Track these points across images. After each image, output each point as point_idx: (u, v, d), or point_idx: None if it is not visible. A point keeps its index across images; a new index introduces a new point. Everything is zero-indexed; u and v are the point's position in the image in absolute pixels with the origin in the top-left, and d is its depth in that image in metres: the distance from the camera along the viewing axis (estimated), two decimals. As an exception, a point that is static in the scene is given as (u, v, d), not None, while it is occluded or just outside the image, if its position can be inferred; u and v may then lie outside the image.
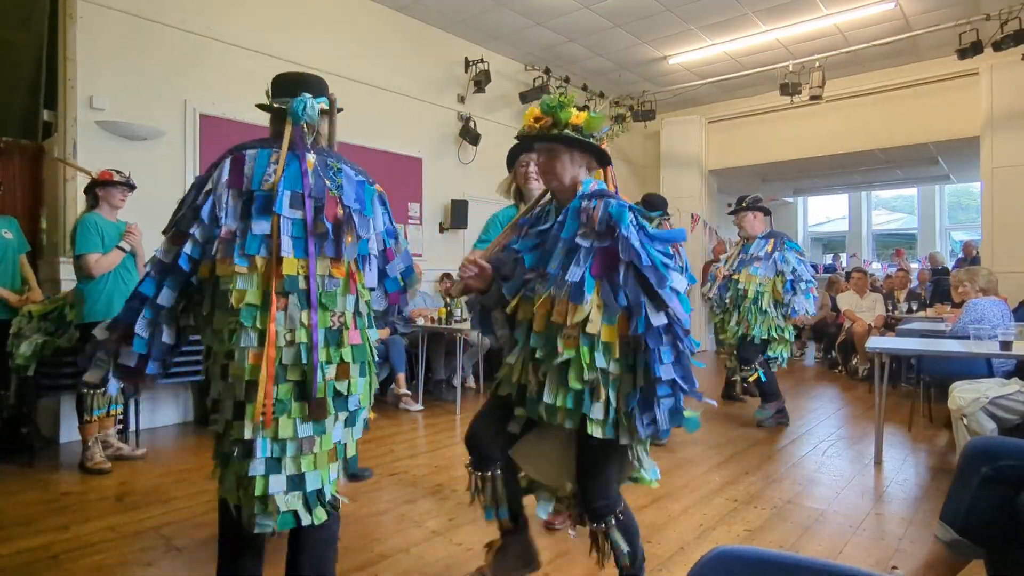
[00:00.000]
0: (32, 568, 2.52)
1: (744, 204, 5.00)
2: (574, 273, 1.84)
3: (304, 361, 1.75)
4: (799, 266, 4.81)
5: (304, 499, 1.79)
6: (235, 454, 1.75)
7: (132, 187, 3.95)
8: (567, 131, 1.97)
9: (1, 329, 3.86)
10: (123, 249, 3.80)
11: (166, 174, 4.96)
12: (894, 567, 2.39)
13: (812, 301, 4.84)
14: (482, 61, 7.30)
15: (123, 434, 4.22)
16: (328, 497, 1.86)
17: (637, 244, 1.81)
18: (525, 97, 7.88)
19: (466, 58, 7.35)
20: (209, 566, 2.53)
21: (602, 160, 2.07)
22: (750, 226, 4.95)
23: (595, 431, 1.85)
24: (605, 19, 6.90)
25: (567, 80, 8.28)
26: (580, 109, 2.01)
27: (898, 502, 3.33)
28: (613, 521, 2.01)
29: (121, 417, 4.16)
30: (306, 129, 1.88)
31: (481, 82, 7.24)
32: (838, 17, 6.85)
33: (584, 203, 1.93)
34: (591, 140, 1.99)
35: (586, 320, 1.81)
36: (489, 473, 2.13)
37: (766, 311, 4.79)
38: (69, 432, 4.37)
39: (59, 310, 3.93)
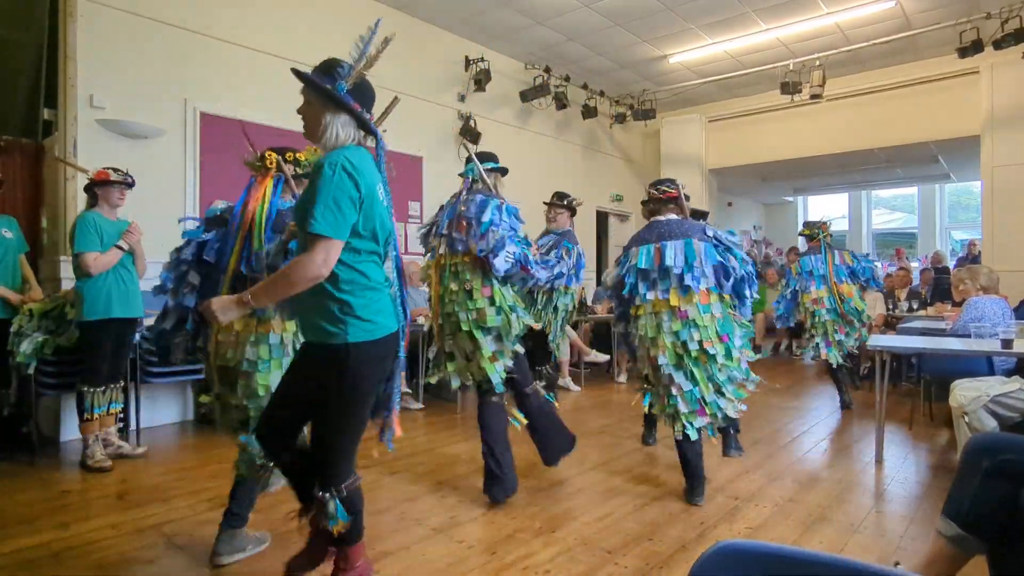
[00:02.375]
0: (33, 566, 2.52)
1: (557, 200, 5.00)
2: None
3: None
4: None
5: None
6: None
7: (130, 185, 3.95)
8: None
9: (2, 328, 3.85)
10: (121, 248, 3.79)
11: (166, 172, 4.96)
12: (896, 563, 2.39)
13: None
14: (482, 60, 7.30)
15: (123, 432, 4.22)
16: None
17: None
18: (526, 96, 7.89)
19: (466, 57, 7.35)
20: (210, 565, 2.53)
21: None
22: (561, 221, 4.93)
23: None
24: (605, 18, 6.89)
25: (567, 79, 8.28)
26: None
27: (899, 500, 3.33)
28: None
29: (122, 415, 4.15)
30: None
31: (482, 81, 7.24)
32: (838, 16, 6.85)
33: None
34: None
35: None
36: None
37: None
38: (70, 430, 4.36)
39: (60, 309, 3.93)
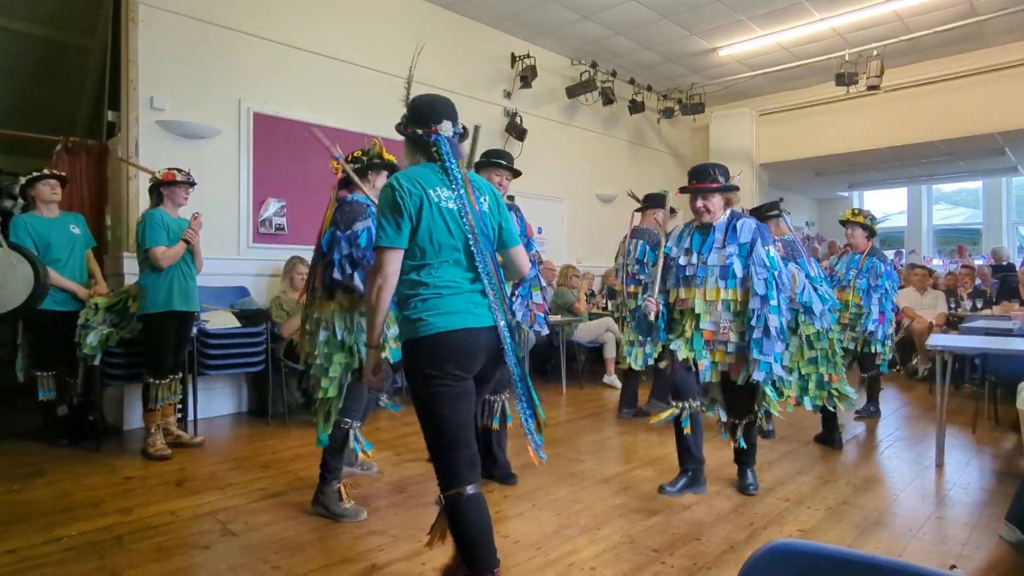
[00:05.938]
0: (98, 548, 2.63)
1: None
2: None
3: None
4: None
5: None
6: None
7: (193, 184, 4.10)
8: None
9: (70, 320, 4.04)
10: (187, 242, 3.95)
11: (221, 171, 5.11)
12: (953, 566, 2.30)
13: None
14: (528, 56, 7.29)
15: (182, 422, 4.37)
16: None
17: None
18: (572, 92, 7.84)
19: (512, 53, 7.35)
20: (263, 551, 2.61)
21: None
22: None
23: None
24: (653, 11, 6.79)
25: (614, 74, 8.19)
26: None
27: (961, 506, 3.20)
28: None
29: (180, 406, 4.31)
30: None
31: (527, 77, 7.22)
32: (897, 3, 6.59)
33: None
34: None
35: None
36: None
37: None
38: (133, 419, 4.55)
39: (123, 302, 4.10)
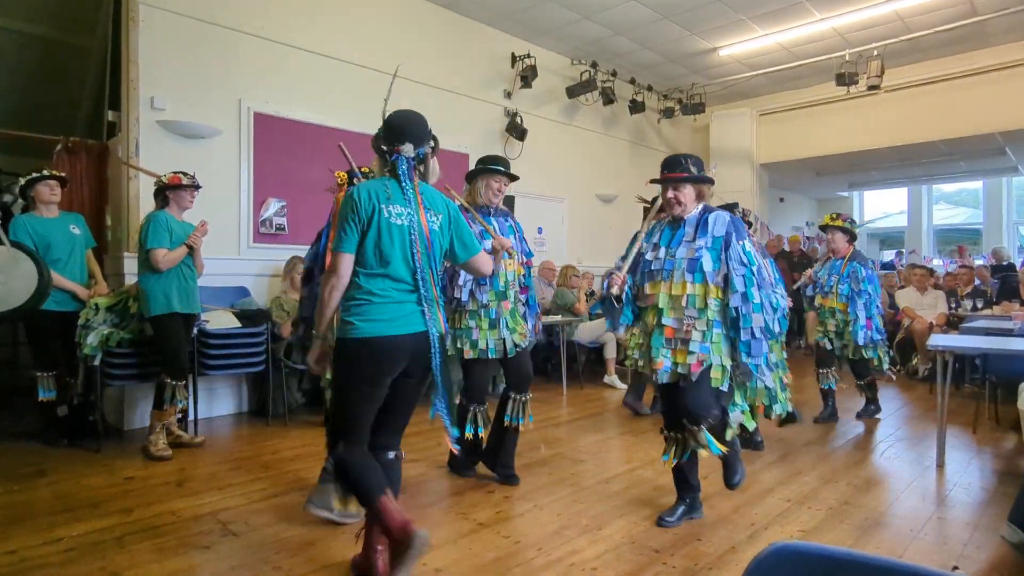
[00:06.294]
0: (98, 548, 2.63)
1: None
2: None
3: None
4: None
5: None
6: None
7: (199, 188, 4.10)
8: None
9: (70, 320, 4.04)
10: (189, 246, 3.95)
11: (222, 171, 5.10)
12: (955, 567, 2.30)
13: None
14: (529, 56, 7.28)
15: (183, 422, 4.37)
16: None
17: None
18: (572, 92, 7.84)
19: (512, 53, 7.34)
20: (263, 551, 2.61)
21: None
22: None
23: None
24: (653, 11, 6.79)
25: (614, 74, 8.19)
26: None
27: (962, 506, 3.20)
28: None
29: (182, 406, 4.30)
30: None
31: (528, 77, 7.22)
32: (898, 3, 6.59)
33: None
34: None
35: None
36: None
37: None
38: (133, 420, 4.55)
39: (123, 302, 4.10)
